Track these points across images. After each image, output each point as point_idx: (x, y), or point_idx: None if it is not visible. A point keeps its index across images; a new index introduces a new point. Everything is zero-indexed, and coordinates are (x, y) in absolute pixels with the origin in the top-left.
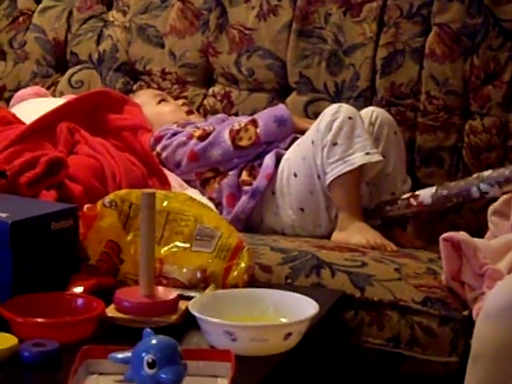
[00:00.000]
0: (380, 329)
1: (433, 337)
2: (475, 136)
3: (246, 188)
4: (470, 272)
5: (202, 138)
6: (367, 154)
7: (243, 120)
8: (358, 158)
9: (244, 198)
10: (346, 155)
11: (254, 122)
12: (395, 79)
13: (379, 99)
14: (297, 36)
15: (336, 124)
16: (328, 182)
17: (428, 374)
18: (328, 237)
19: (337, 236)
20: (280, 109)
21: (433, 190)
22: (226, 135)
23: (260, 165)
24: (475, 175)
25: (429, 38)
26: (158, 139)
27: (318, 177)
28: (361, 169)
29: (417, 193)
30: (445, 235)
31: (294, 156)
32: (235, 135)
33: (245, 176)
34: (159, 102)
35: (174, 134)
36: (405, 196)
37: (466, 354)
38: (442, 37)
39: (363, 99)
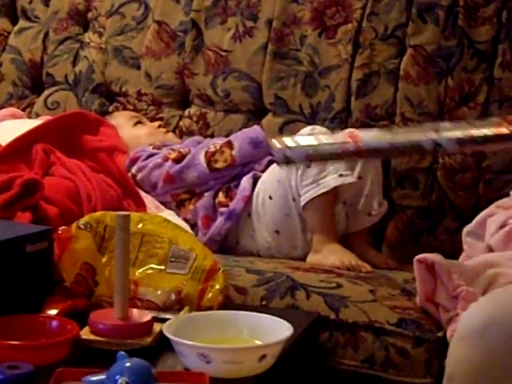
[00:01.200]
0: (355, 350)
1: (407, 358)
2: (449, 157)
3: (222, 209)
4: (445, 294)
5: (177, 161)
6: (341, 175)
7: (218, 142)
8: (331, 181)
9: (220, 219)
10: (319, 178)
11: (230, 144)
12: (370, 101)
13: (354, 121)
14: (272, 58)
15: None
16: (302, 204)
17: None
18: (304, 259)
19: (311, 258)
20: (255, 130)
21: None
22: (202, 158)
23: (236, 186)
24: (431, 125)
25: (404, 60)
26: (134, 160)
27: (293, 199)
28: (335, 191)
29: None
30: (419, 257)
31: (270, 178)
32: (210, 157)
33: (221, 197)
34: (135, 124)
35: (150, 156)
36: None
37: (441, 375)
38: (416, 58)
39: (338, 121)
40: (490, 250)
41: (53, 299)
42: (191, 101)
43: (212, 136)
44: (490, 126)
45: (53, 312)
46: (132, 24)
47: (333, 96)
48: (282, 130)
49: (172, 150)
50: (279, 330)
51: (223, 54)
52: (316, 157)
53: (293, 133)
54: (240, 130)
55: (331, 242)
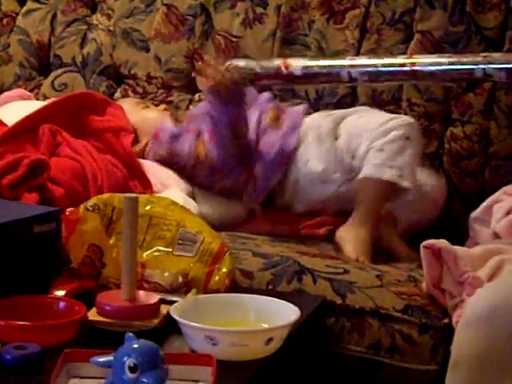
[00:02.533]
0: (361, 336)
1: (413, 344)
2: (456, 143)
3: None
4: (451, 279)
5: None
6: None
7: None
8: (405, 182)
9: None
10: (387, 164)
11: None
12: (376, 86)
13: (360, 105)
14: (281, 44)
15: (392, 134)
16: (361, 176)
17: (408, 382)
18: None
19: (339, 232)
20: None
21: (305, 62)
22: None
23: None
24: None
25: (411, 45)
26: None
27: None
28: (392, 186)
29: (290, 61)
30: (425, 243)
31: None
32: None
33: None
34: (143, 109)
35: (175, 136)
36: (276, 63)
37: (446, 361)
38: (424, 44)
39: (344, 106)
40: (496, 236)
41: (60, 280)
42: None
43: None
44: None
45: (60, 293)
46: (141, 7)
47: None
48: None
49: (192, 134)
50: (286, 313)
51: (233, 39)
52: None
53: None
54: None
55: (362, 228)
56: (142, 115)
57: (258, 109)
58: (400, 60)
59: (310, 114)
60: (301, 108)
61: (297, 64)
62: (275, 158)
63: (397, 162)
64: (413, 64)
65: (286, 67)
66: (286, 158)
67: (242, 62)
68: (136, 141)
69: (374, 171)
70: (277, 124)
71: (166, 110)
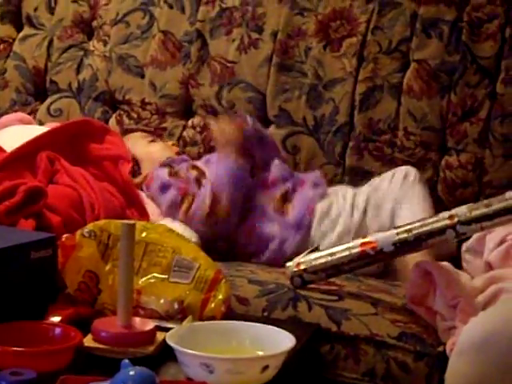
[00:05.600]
0: (356, 363)
1: (408, 372)
2: (451, 171)
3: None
4: (442, 302)
5: (185, 222)
6: None
7: (206, 198)
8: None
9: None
10: None
11: (217, 188)
12: (373, 115)
13: (357, 134)
14: (277, 70)
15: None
16: None
17: None
18: None
19: None
20: (217, 158)
21: (392, 234)
22: (201, 225)
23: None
24: (445, 214)
25: (407, 74)
26: (148, 186)
27: None
28: None
29: (369, 239)
30: (419, 262)
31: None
32: (210, 214)
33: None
34: (149, 142)
35: (164, 187)
36: (353, 244)
37: None
38: (420, 73)
39: (341, 134)
40: (489, 266)
41: (56, 306)
42: (194, 111)
43: (215, 147)
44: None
45: (56, 319)
46: (137, 33)
47: (337, 109)
48: (284, 142)
49: (180, 192)
50: (281, 341)
51: (229, 64)
52: (334, 269)
53: (295, 145)
54: None
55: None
56: (146, 148)
57: (266, 193)
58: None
59: (323, 196)
60: (315, 194)
61: (383, 240)
62: (270, 256)
63: None
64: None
65: (373, 248)
66: (283, 257)
67: (310, 257)
68: (138, 172)
69: None
70: (282, 210)
71: (174, 145)
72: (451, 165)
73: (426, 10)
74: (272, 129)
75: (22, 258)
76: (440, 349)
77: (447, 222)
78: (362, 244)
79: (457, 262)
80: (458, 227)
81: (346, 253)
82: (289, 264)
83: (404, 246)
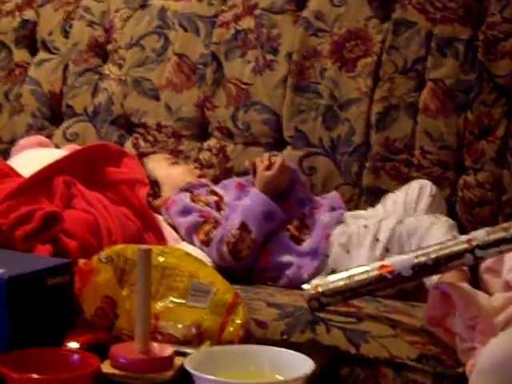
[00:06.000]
0: None
1: None
2: (468, 191)
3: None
4: (461, 323)
5: (205, 243)
6: None
7: (235, 223)
8: None
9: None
10: None
11: (246, 228)
12: (390, 134)
13: (374, 154)
14: (292, 91)
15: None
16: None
17: None
18: None
19: None
20: (262, 202)
21: (410, 258)
22: (225, 250)
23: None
24: (463, 238)
25: (423, 93)
26: (167, 208)
27: None
28: None
29: (387, 263)
30: (437, 284)
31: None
32: (232, 249)
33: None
34: (171, 165)
35: (186, 211)
36: (371, 267)
37: None
38: (436, 92)
39: (358, 154)
40: (508, 286)
41: (74, 332)
42: (210, 133)
43: (231, 169)
44: None
45: (74, 345)
46: (152, 56)
47: (353, 129)
48: (301, 163)
49: (205, 214)
50: (300, 365)
51: (244, 86)
52: (351, 292)
53: (312, 166)
54: None
55: None
56: (168, 171)
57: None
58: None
59: (341, 220)
60: (332, 219)
61: (401, 264)
62: (287, 282)
63: None
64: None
65: (390, 272)
66: (300, 282)
67: (328, 280)
68: (158, 194)
69: None
70: (299, 238)
71: (196, 168)
72: (469, 184)
73: (441, 29)
74: (288, 150)
75: (38, 285)
76: (460, 370)
77: (466, 245)
78: (380, 267)
79: (475, 283)
80: (477, 251)
81: (364, 276)
82: (306, 287)
83: (422, 270)
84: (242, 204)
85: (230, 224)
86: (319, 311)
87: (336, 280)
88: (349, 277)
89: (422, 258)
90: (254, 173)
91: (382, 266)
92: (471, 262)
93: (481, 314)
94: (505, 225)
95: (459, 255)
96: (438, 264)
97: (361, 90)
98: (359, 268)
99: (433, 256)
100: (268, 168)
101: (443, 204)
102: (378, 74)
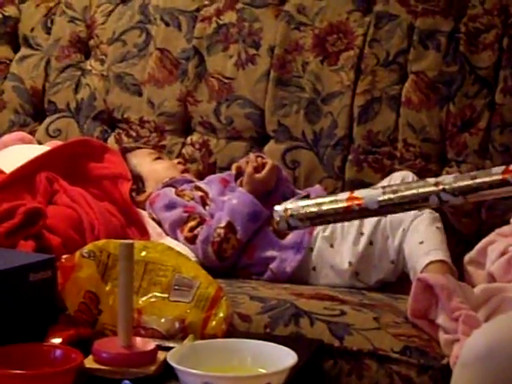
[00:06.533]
0: (359, 378)
1: None
2: None
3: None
4: (444, 315)
5: (190, 241)
6: None
7: (221, 223)
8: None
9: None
10: None
11: (231, 228)
12: (372, 127)
13: (357, 147)
14: (275, 85)
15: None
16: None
17: None
18: None
19: None
20: (249, 203)
21: (378, 193)
22: (210, 250)
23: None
24: (432, 180)
25: (405, 86)
26: (151, 203)
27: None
28: None
29: (356, 194)
30: (420, 276)
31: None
32: (217, 248)
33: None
34: (154, 159)
35: (171, 206)
36: (339, 197)
37: None
38: (418, 84)
39: (341, 147)
40: (492, 277)
41: (56, 328)
42: (193, 128)
43: (215, 164)
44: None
45: (56, 341)
46: (134, 51)
47: (335, 122)
48: (284, 157)
49: (189, 210)
50: (284, 358)
51: (226, 81)
52: (319, 219)
53: (295, 159)
54: (242, 156)
55: None
56: (152, 166)
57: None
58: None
59: None
60: None
61: (369, 197)
62: (271, 276)
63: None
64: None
65: (358, 204)
66: (283, 276)
67: (301, 203)
68: (142, 190)
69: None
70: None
71: (179, 163)
72: None
73: (423, 21)
74: (271, 144)
75: (20, 280)
76: (444, 362)
77: (433, 188)
78: (349, 199)
79: (459, 275)
80: (442, 195)
81: (333, 205)
82: (277, 208)
83: (388, 206)
84: (228, 204)
85: (215, 223)
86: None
87: (306, 205)
88: (319, 204)
89: (390, 195)
90: (238, 175)
91: (351, 198)
92: (436, 205)
93: (464, 305)
94: (473, 173)
95: (425, 196)
96: (403, 202)
97: (343, 83)
98: (329, 197)
99: (399, 194)
100: (257, 170)
101: None
102: (360, 67)
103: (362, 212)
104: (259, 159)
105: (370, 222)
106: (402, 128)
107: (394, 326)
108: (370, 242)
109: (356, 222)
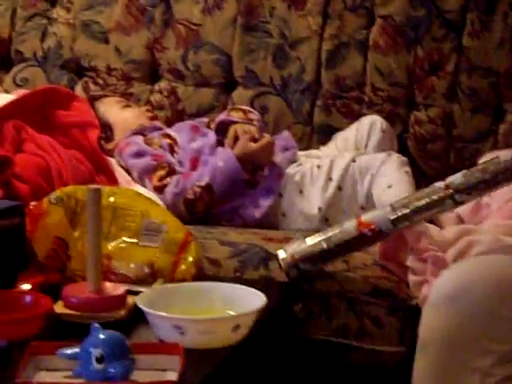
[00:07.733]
0: (328, 320)
1: (381, 327)
2: (420, 127)
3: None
4: (413, 256)
5: (158, 190)
6: None
7: (200, 184)
8: None
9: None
10: None
11: (209, 189)
12: (340, 72)
13: (325, 92)
14: (242, 31)
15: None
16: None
17: (377, 364)
18: None
19: None
20: (234, 169)
21: (387, 212)
22: (181, 204)
23: None
24: (440, 184)
25: (373, 31)
26: (120, 151)
27: None
28: None
29: (365, 220)
30: None
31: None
32: (189, 204)
33: None
34: (123, 108)
35: (139, 154)
36: (349, 226)
37: (414, 343)
38: (385, 29)
39: (309, 93)
40: (460, 219)
41: (26, 274)
42: (161, 75)
43: (183, 111)
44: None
45: (26, 287)
46: None
47: (303, 68)
48: (252, 103)
49: (157, 158)
50: (253, 300)
51: (193, 27)
52: (331, 255)
53: (263, 105)
54: (210, 104)
55: None
56: (120, 114)
57: None
58: None
59: (294, 160)
60: (284, 158)
61: (380, 219)
62: (241, 223)
63: None
64: None
65: (371, 229)
66: (254, 222)
67: (304, 245)
68: (111, 138)
69: None
70: (253, 181)
71: (148, 110)
72: (420, 120)
73: None
74: (239, 90)
75: None
76: (412, 303)
77: (444, 192)
78: (359, 226)
79: None
80: (457, 196)
81: (342, 236)
82: (282, 255)
83: (403, 222)
84: (213, 164)
85: (194, 180)
86: (299, 279)
87: (313, 244)
88: (326, 239)
89: (402, 211)
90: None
91: (361, 224)
92: (453, 208)
93: (432, 246)
94: (481, 166)
95: (439, 202)
96: (419, 214)
97: (311, 28)
98: (336, 229)
99: (412, 207)
100: (253, 140)
101: (394, 139)
102: (328, 12)
103: (376, 236)
104: (257, 134)
105: (338, 168)
106: (369, 72)
107: (363, 268)
108: (339, 188)
109: (325, 168)
